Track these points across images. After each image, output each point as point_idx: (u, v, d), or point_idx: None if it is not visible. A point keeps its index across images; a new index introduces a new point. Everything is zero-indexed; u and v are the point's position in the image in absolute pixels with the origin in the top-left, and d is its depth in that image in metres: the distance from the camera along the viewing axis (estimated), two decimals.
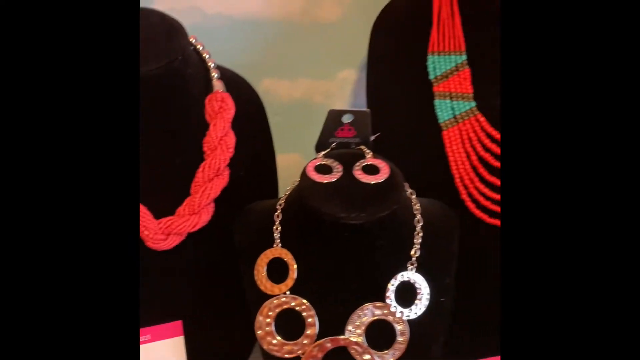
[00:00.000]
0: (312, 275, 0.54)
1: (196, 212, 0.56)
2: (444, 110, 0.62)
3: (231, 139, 0.59)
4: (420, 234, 0.55)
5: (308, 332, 0.53)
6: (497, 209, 0.60)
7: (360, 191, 0.53)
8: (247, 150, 0.63)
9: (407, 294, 0.54)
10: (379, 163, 0.56)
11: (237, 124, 0.62)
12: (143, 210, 0.55)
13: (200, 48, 0.62)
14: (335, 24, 0.79)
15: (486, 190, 0.60)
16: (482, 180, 0.61)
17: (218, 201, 0.59)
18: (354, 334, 0.53)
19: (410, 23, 0.67)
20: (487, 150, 0.61)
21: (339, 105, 0.85)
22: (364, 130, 0.56)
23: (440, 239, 0.56)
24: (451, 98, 0.62)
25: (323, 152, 0.57)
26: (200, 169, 0.57)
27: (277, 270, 0.55)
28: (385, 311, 0.53)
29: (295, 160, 0.84)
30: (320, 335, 0.53)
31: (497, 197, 0.60)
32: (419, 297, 0.54)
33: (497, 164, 0.60)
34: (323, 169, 0.56)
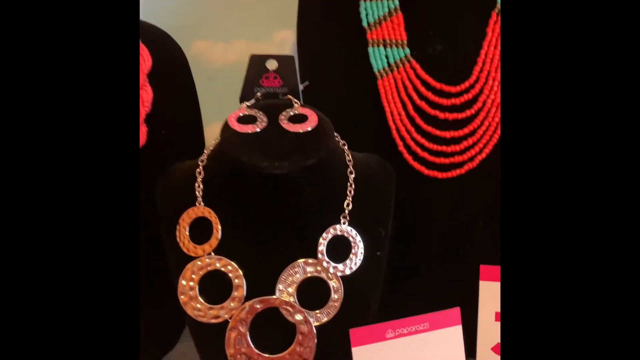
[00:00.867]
0: (237, 233, 0.50)
1: None
2: (377, 58, 0.58)
3: (147, 94, 0.54)
4: (353, 186, 0.52)
5: (235, 294, 0.49)
6: (435, 159, 0.58)
7: (285, 140, 0.49)
8: (170, 110, 0.59)
9: (340, 249, 0.50)
10: (307, 112, 0.53)
11: (160, 82, 0.58)
12: None
13: None
14: None
15: (423, 141, 0.58)
16: (419, 130, 0.58)
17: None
18: (284, 293, 0.50)
19: None
20: (423, 98, 0.58)
21: None
22: (291, 78, 0.53)
23: (374, 191, 0.53)
24: (385, 45, 0.59)
25: (247, 103, 0.53)
26: None
27: (201, 231, 0.51)
28: (318, 268, 0.50)
29: None
30: (248, 297, 0.49)
31: (435, 147, 0.58)
32: (353, 251, 0.51)
33: (434, 112, 0.58)
34: (247, 120, 0.52)
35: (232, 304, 0.49)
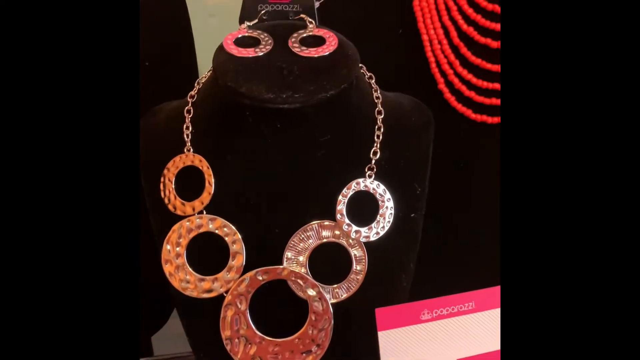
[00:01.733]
0: (235, 187, 0.40)
1: None
2: None
3: None
4: (382, 129, 0.42)
5: (232, 262, 0.40)
6: (485, 100, 0.46)
7: (295, 66, 0.38)
8: (155, 39, 0.49)
9: (364, 209, 0.40)
10: (325, 33, 0.42)
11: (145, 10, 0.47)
12: None
13: None
14: None
15: (470, 77, 0.46)
16: (465, 63, 0.47)
17: None
18: (294, 262, 0.40)
19: None
20: (471, 22, 0.46)
21: None
22: None
23: (408, 138, 0.43)
24: None
25: (248, 23, 0.42)
26: None
27: (190, 185, 0.41)
28: (336, 232, 0.39)
29: None
30: (248, 267, 0.39)
31: (485, 84, 0.46)
32: (381, 212, 0.40)
33: (484, 40, 0.46)
34: (247, 42, 0.41)
35: (228, 275, 0.39)
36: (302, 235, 0.39)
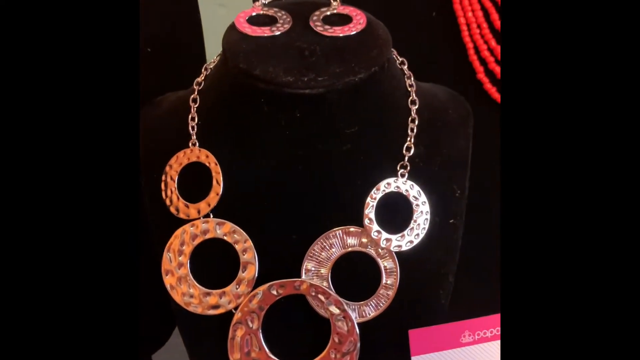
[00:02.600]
0: (246, 186, 0.34)
1: None
2: None
3: None
4: (417, 122, 0.36)
5: (243, 274, 0.35)
6: None
7: (318, 47, 0.33)
8: (160, 26, 0.44)
9: (396, 213, 0.34)
10: (351, 11, 0.36)
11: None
12: None
13: None
14: None
15: None
16: None
17: None
18: (315, 275, 0.35)
19: None
20: None
21: None
22: None
23: (446, 132, 0.37)
24: None
25: (263, 0, 0.37)
26: None
27: (196, 183, 0.36)
28: (364, 240, 0.34)
29: None
30: (262, 280, 0.34)
31: None
32: (414, 217, 0.35)
33: None
34: (263, 21, 0.36)
35: (238, 289, 0.34)
36: (324, 244, 0.34)
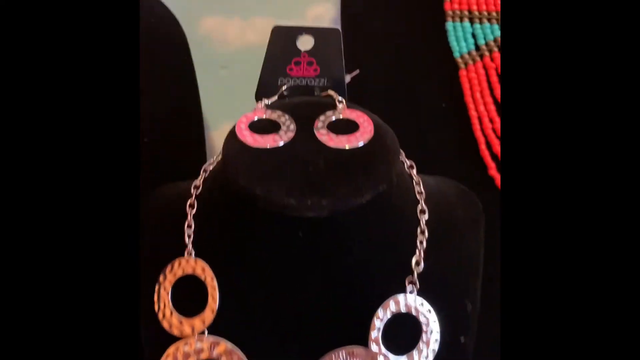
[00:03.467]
0: (244, 303, 0.32)
1: None
2: (460, 38, 0.40)
3: None
4: (426, 234, 0.35)
5: None
6: None
7: (323, 163, 0.31)
8: (157, 107, 0.42)
9: (405, 333, 0.32)
10: (358, 116, 0.35)
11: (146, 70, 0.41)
12: None
13: None
14: None
15: None
16: None
17: None
18: None
19: None
20: None
21: None
22: (334, 63, 0.35)
23: (456, 239, 0.35)
24: (472, 20, 0.40)
25: (266, 100, 0.36)
26: None
27: (190, 298, 0.34)
28: None
29: None
30: None
31: None
32: (424, 337, 0.33)
33: None
34: (264, 127, 0.34)
35: None
36: None
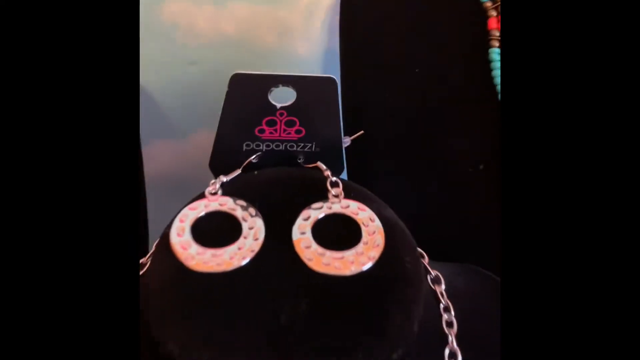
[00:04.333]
0: None
1: None
2: None
3: None
4: (459, 355, 0.23)
5: None
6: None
7: (306, 306, 0.19)
8: None
9: None
10: (356, 212, 0.23)
11: None
12: None
13: None
14: None
15: None
16: None
17: None
18: None
19: None
20: None
21: (303, 52, 0.51)
22: (327, 122, 0.24)
23: (482, 324, 0.25)
24: None
25: (224, 178, 0.24)
26: None
27: None
28: None
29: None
30: None
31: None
32: None
33: None
34: (217, 229, 0.22)
35: None
36: None
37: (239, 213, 0.22)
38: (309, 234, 0.21)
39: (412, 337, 0.20)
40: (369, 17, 0.34)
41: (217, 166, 0.24)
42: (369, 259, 0.21)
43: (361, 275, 0.20)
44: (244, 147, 0.24)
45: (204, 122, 0.51)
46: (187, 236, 0.21)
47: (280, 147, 0.24)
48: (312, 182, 0.23)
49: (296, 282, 0.20)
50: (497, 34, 0.28)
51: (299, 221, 0.22)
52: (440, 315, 0.23)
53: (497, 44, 0.29)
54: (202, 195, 0.23)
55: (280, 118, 0.23)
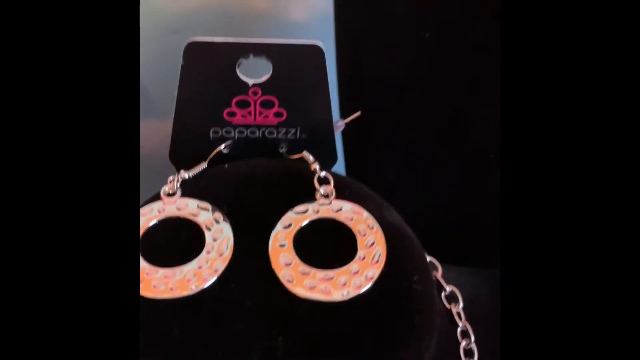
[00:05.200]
0: None
1: None
2: None
3: None
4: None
5: None
6: None
7: (282, 345, 0.15)
8: None
9: None
10: (351, 216, 0.19)
11: None
12: None
13: None
14: None
15: None
16: None
17: None
18: None
19: None
20: None
21: (297, 18, 0.46)
22: (314, 102, 0.19)
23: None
24: None
25: (186, 173, 0.20)
26: None
27: None
28: None
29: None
30: None
31: None
32: None
33: None
34: (175, 242, 0.18)
35: None
36: None
37: (201, 219, 0.18)
38: (289, 247, 0.17)
39: None
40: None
41: (178, 158, 0.19)
42: (367, 279, 0.16)
43: (356, 302, 0.16)
44: (211, 135, 0.19)
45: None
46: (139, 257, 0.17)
47: (257, 134, 0.19)
48: (296, 178, 0.19)
49: (272, 312, 0.16)
50: None
51: (278, 229, 0.17)
52: (459, 343, 0.19)
53: None
54: (156, 197, 0.18)
55: (254, 98, 0.18)
